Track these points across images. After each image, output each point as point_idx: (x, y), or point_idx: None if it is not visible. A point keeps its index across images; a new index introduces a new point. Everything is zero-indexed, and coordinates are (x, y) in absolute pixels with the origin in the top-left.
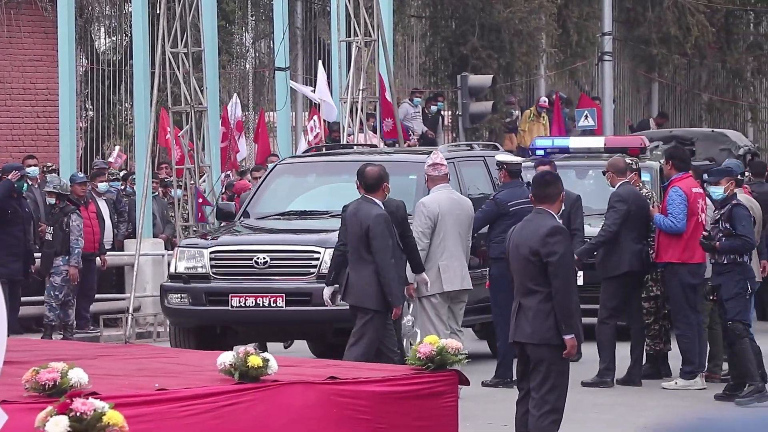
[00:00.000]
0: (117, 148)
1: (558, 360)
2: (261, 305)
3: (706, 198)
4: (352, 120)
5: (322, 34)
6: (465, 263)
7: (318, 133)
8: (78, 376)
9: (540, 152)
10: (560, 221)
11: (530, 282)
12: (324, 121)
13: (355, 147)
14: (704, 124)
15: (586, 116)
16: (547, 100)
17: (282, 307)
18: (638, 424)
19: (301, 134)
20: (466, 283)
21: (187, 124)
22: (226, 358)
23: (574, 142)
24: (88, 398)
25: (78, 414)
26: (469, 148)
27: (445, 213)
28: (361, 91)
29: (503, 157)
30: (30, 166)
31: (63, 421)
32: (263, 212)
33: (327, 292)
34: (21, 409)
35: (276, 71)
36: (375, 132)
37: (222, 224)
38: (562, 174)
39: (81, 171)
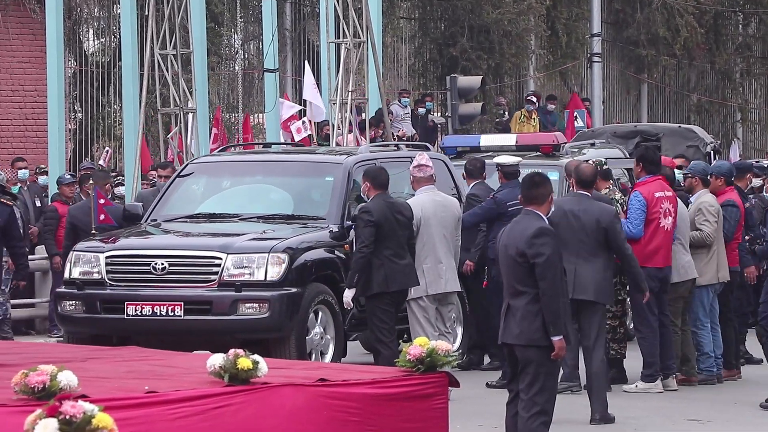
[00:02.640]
0: (106, 149)
1: (546, 361)
2: (158, 314)
3: (677, 201)
4: (341, 121)
5: (311, 36)
6: (452, 264)
7: (310, 134)
8: (67, 378)
9: (451, 151)
10: (547, 222)
11: (518, 283)
12: (312, 122)
13: (272, 146)
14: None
15: (576, 117)
16: (535, 98)
17: (180, 316)
18: (629, 425)
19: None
20: (450, 286)
21: (176, 125)
22: (215, 360)
23: (485, 139)
24: (77, 401)
25: (67, 417)
26: (395, 148)
27: (428, 216)
28: (350, 93)
29: (500, 158)
30: (20, 168)
31: (52, 424)
32: (171, 214)
33: (348, 294)
34: (10, 412)
35: (265, 73)
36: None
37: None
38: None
39: (70, 172)
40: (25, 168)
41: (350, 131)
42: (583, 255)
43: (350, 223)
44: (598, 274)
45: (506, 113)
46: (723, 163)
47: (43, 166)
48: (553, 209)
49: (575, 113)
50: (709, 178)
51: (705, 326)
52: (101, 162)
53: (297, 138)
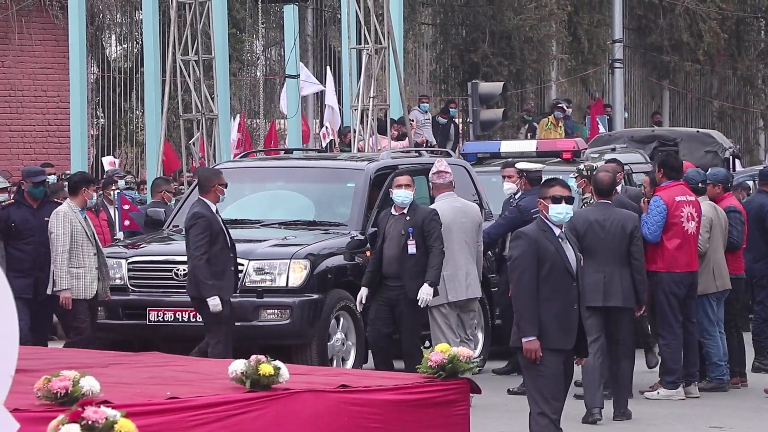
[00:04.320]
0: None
1: (528, 364)
2: (180, 320)
3: (700, 206)
4: (363, 127)
5: (332, 42)
6: (473, 271)
7: (332, 140)
8: (90, 384)
9: (471, 157)
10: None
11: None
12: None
13: (294, 152)
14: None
15: (598, 123)
16: (564, 104)
17: (201, 322)
18: None
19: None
20: (471, 292)
21: (197, 131)
22: (237, 366)
23: (506, 146)
24: (99, 407)
25: (89, 422)
26: (417, 154)
27: (448, 222)
28: (371, 99)
29: (523, 165)
30: (48, 174)
31: (74, 429)
32: None
33: (363, 293)
34: (32, 418)
35: (287, 79)
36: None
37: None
38: (494, 178)
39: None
40: (53, 174)
41: (371, 136)
42: (611, 263)
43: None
44: (625, 281)
45: (532, 118)
46: (719, 170)
47: (67, 172)
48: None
49: (597, 119)
50: (700, 185)
51: (712, 335)
52: (107, 169)
53: (324, 143)
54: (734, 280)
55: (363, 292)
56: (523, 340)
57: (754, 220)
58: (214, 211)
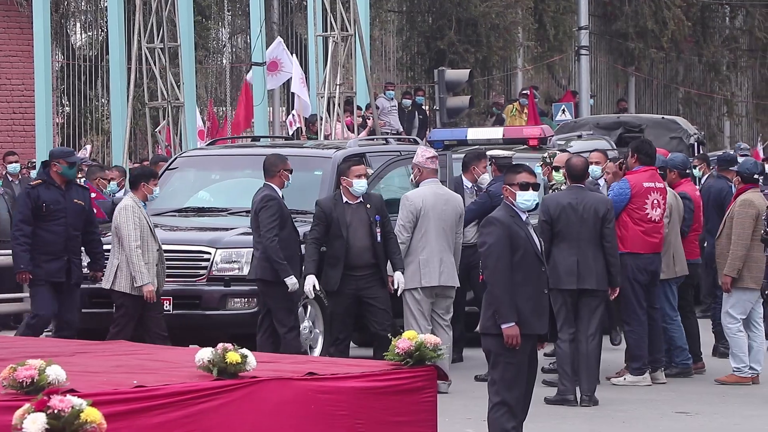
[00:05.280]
0: (85, 146)
1: (503, 350)
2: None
3: (666, 192)
4: (329, 115)
5: (299, 29)
6: (448, 259)
7: (299, 127)
8: (56, 373)
9: (438, 144)
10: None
11: (483, 272)
12: (300, 115)
13: (261, 140)
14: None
15: (564, 110)
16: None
17: (169, 310)
18: (617, 418)
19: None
20: (444, 279)
21: (163, 119)
22: (204, 354)
23: (472, 133)
24: (65, 395)
25: (55, 411)
26: (384, 142)
27: (428, 208)
28: (338, 86)
29: (494, 151)
30: (11, 162)
31: (40, 418)
32: (159, 208)
33: (314, 281)
34: None
35: (253, 66)
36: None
37: None
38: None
39: None
40: (16, 162)
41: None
42: (584, 245)
43: None
44: (598, 263)
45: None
46: (677, 155)
47: (33, 160)
48: (545, 202)
49: (563, 106)
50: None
51: (674, 320)
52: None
53: (290, 131)
54: (689, 266)
55: (313, 280)
56: (503, 326)
57: (713, 204)
58: (281, 195)
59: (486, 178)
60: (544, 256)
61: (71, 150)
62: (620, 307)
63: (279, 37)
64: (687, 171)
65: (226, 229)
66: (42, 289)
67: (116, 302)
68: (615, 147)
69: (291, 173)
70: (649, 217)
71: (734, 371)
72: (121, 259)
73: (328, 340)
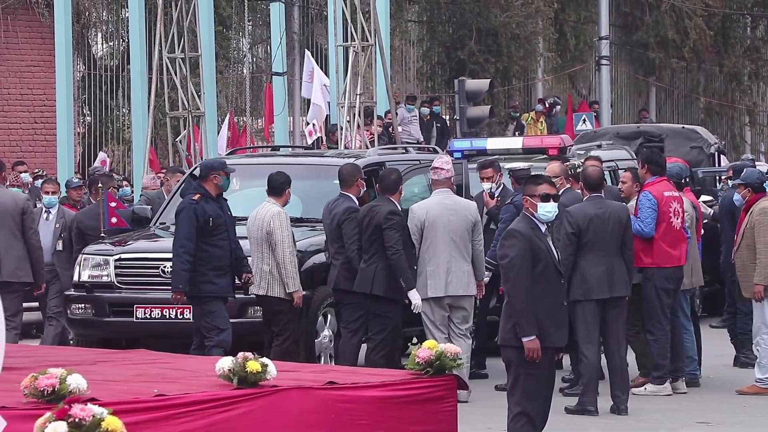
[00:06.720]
0: (101, 154)
1: (523, 363)
2: (167, 317)
3: (683, 201)
4: (350, 124)
5: (319, 39)
6: (458, 269)
7: (319, 137)
8: (77, 381)
9: (457, 154)
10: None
11: (503, 284)
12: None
13: (281, 149)
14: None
15: (584, 120)
16: (544, 105)
17: (189, 319)
18: (638, 428)
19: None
20: (453, 289)
21: (184, 129)
22: (224, 363)
23: (492, 143)
24: (86, 404)
25: (76, 420)
26: (404, 151)
27: (434, 219)
28: (358, 96)
29: (511, 164)
30: (21, 172)
31: (61, 427)
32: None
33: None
34: (20, 416)
35: (273, 76)
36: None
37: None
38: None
39: (78, 176)
40: (26, 171)
41: (358, 134)
42: (611, 254)
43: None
44: (623, 269)
45: (520, 115)
46: (673, 164)
47: (38, 170)
48: (572, 214)
49: (584, 116)
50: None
51: (688, 330)
52: (96, 164)
53: (309, 140)
54: None
55: (418, 295)
56: (525, 339)
57: (726, 215)
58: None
59: (485, 187)
60: (568, 268)
61: (223, 161)
62: (644, 315)
63: (307, 50)
64: (683, 181)
65: (246, 238)
66: (221, 305)
67: (273, 308)
68: (635, 157)
69: (366, 183)
70: (674, 225)
71: (756, 382)
72: (272, 265)
73: (378, 347)
